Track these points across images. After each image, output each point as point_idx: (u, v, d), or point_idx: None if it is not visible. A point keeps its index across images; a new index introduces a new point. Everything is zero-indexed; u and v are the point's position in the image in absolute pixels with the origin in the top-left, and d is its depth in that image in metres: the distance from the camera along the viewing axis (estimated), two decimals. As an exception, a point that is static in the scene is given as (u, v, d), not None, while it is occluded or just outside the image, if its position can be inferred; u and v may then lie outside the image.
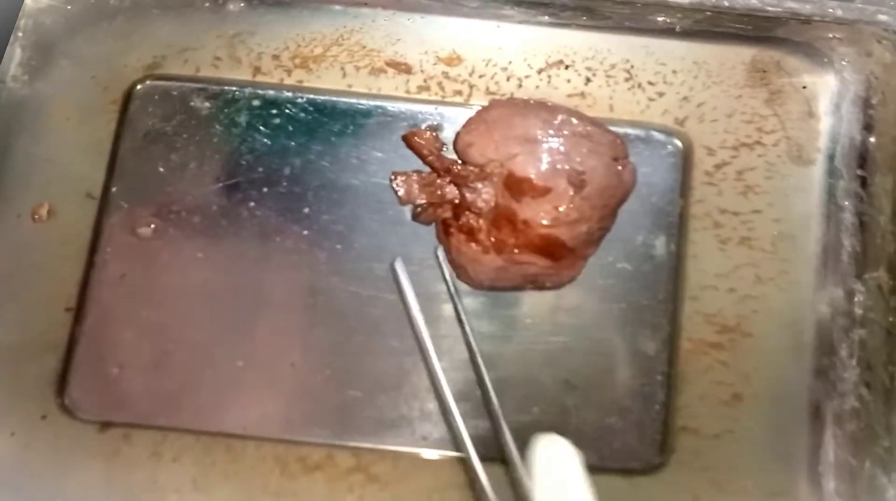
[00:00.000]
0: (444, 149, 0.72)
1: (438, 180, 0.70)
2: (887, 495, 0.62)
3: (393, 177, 0.71)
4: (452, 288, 0.67)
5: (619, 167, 0.68)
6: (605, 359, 0.69)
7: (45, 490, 0.65)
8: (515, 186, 0.67)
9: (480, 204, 0.68)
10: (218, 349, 0.68)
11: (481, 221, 0.68)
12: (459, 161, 0.71)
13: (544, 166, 0.67)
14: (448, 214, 0.70)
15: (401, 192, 0.70)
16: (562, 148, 0.67)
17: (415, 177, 0.71)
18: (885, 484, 0.63)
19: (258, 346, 0.68)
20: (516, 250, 0.67)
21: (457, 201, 0.69)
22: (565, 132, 0.67)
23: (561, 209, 0.66)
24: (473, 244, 0.68)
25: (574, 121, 0.68)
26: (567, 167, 0.66)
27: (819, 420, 0.68)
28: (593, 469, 0.64)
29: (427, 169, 0.72)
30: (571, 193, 0.66)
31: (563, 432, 0.64)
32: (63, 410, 0.67)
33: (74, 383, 0.68)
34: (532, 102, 0.72)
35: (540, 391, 0.68)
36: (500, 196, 0.68)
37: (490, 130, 0.69)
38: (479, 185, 0.69)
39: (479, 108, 0.72)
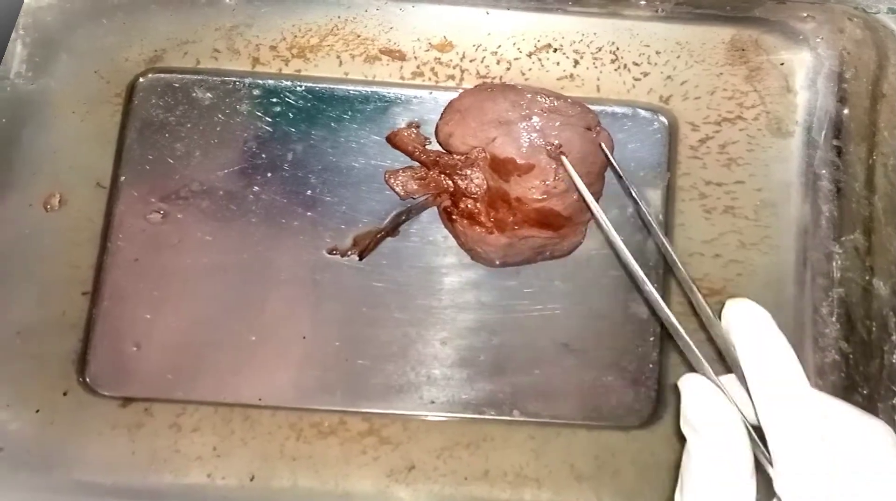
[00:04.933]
0: (428, 142, 0.80)
1: (430, 173, 0.79)
2: (866, 438, 0.73)
3: (388, 177, 0.79)
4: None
5: (594, 135, 0.76)
6: (601, 323, 0.78)
7: (71, 462, 0.74)
8: (501, 167, 0.76)
9: (474, 189, 0.77)
10: (230, 325, 0.77)
11: (479, 204, 0.76)
12: (445, 152, 0.79)
13: (523, 145, 0.75)
14: (447, 202, 0.78)
15: (398, 189, 0.78)
16: (535, 125, 0.75)
17: (409, 173, 0.79)
18: (865, 429, 0.73)
19: (269, 321, 0.77)
20: (517, 227, 0.75)
21: (452, 190, 0.78)
22: (535, 110, 0.75)
23: (548, 183, 0.74)
24: (477, 227, 0.76)
25: (541, 98, 0.75)
26: (544, 142, 0.74)
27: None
28: (593, 424, 0.75)
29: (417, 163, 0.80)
30: (554, 165, 0.74)
31: (562, 390, 0.75)
32: (84, 387, 0.75)
33: (94, 361, 0.76)
34: (499, 85, 0.80)
35: (540, 354, 0.77)
36: (490, 179, 0.76)
37: (465, 118, 0.77)
38: (468, 171, 0.77)
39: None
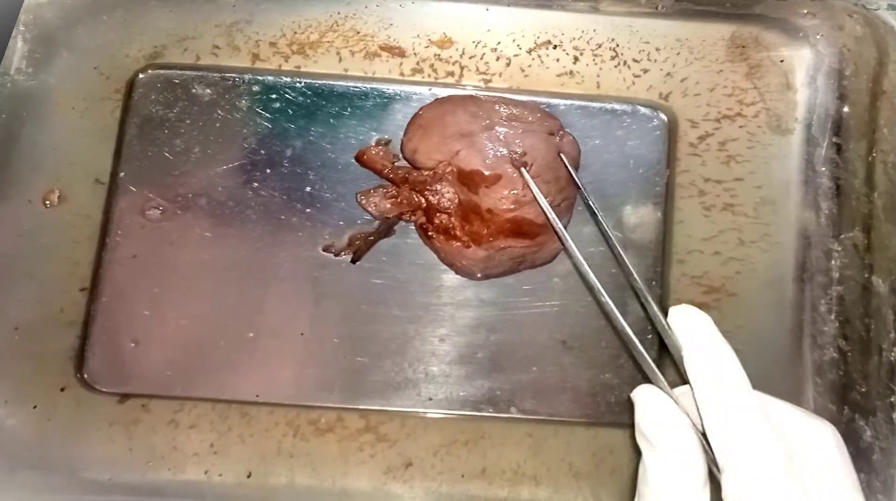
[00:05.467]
0: (397, 159, 0.79)
1: (401, 190, 0.78)
2: (864, 436, 0.72)
3: (360, 198, 0.78)
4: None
5: (557, 139, 0.76)
6: (599, 321, 0.77)
7: (69, 458, 0.73)
8: (468, 180, 0.75)
9: (445, 204, 0.76)
10: (229, 321, 0.76)
11: (453, 219, 0.76)
12: (413, 168, 0.78)
13: (487, 156, 0.74)
14: (422, 219, 0.77)
15: (372, 210, 0.78)
16: (497, 135, 0.74)
17: (380, 192, 0.78)
18: (863, 427, 0.72)
19: (268, 318, 0.76)
20: (492, 239, 0.75)
21: (424, 206, 0.77)
22: (495, 119, 0.75)
23: (515, 192, 0.74)
24: (454, 242, 0.75)
25: (498, 107, 0.75)
26: (508, 151, 0.74)
27: (800, 371, 0.77)
28: (591, 422, 0.75)
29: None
30: (520, 174, 0.74)
31: (560, 388, 0.74)
32: (82, 383, 0.75)
33: (92, 357, 0.75)
34: (458, 97, 0.79)
35: (538, 351, 0.76)
36: (460, 192, 0.75)
37: (427, 133, 0.77)
38: (438, 186, 0.76)
39: (415, 113, 0.80)
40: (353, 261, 0.76)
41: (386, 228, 0.76)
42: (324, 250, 0.76)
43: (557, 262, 0.78)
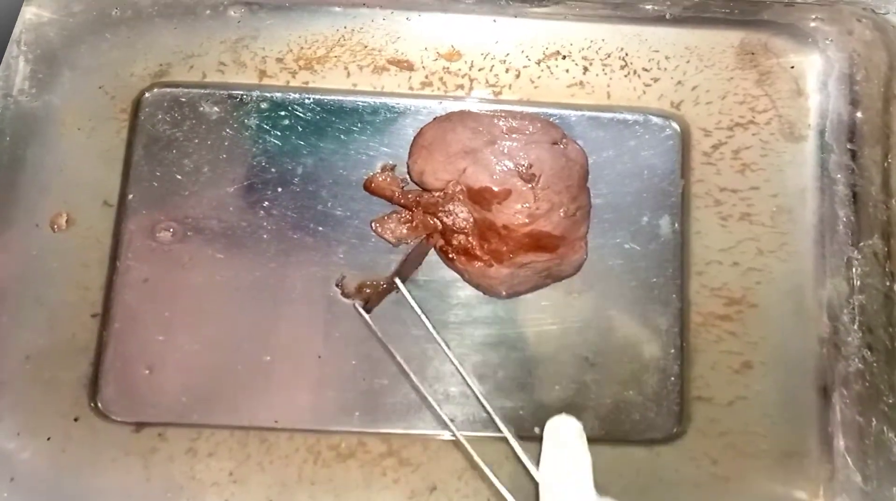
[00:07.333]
0: (405, 183, 0.75)
1: (416, 215, 0.74)
2: (894, 448, 0.68)
3: (375, 226, 0.74)
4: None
5: (562, 147, 0.72)
6: (620, 336, 0.73)
7: (86, 490, 0.69)
8: (479, 197, 0.71)
9: (461, 223, 0.72)
10: (244, 345, 0.72)
11: (471, 238, 0.72)
12: (423, 190, 0.74)
13: (494, 171, 0.71)
14: (441, 241, 0.74)
15: (389, 236, 0.74)
16: (501, 149, 0.71)
17: (395, 218, 0.74)
18: (892, 439, 0.68)
19: (284, 340, 0.72)
20: (513, 255, 0.71)
21: (440, 229, 0.73)
22: (496, 133, 0.72)
23: (528, 206, 0.70)
24: (476, 262, 0.72)
25: (497, 121, 0.72)
26: (513, 165, 0.71)
27: (826, 383, 0.73)
28: (616, 440, 0.70)
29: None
30: (530, 187, 0.70)
31: (583, 406, 0.70)
32: (97, 412, 0.70)
33: (106, 385, 0.71)
34: (456, 114, 0.76)
35: (560, 369, 0.72)
36: (473, 211, 0.72)
37: (431, 153, 0.73)
38: (451, 207, 0.73)
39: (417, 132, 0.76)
40: (367, 310, 0.71)
41: (403, 279, 0.72)
42: (336, 285, 0.72)
43: (576, 278, 0.74)
